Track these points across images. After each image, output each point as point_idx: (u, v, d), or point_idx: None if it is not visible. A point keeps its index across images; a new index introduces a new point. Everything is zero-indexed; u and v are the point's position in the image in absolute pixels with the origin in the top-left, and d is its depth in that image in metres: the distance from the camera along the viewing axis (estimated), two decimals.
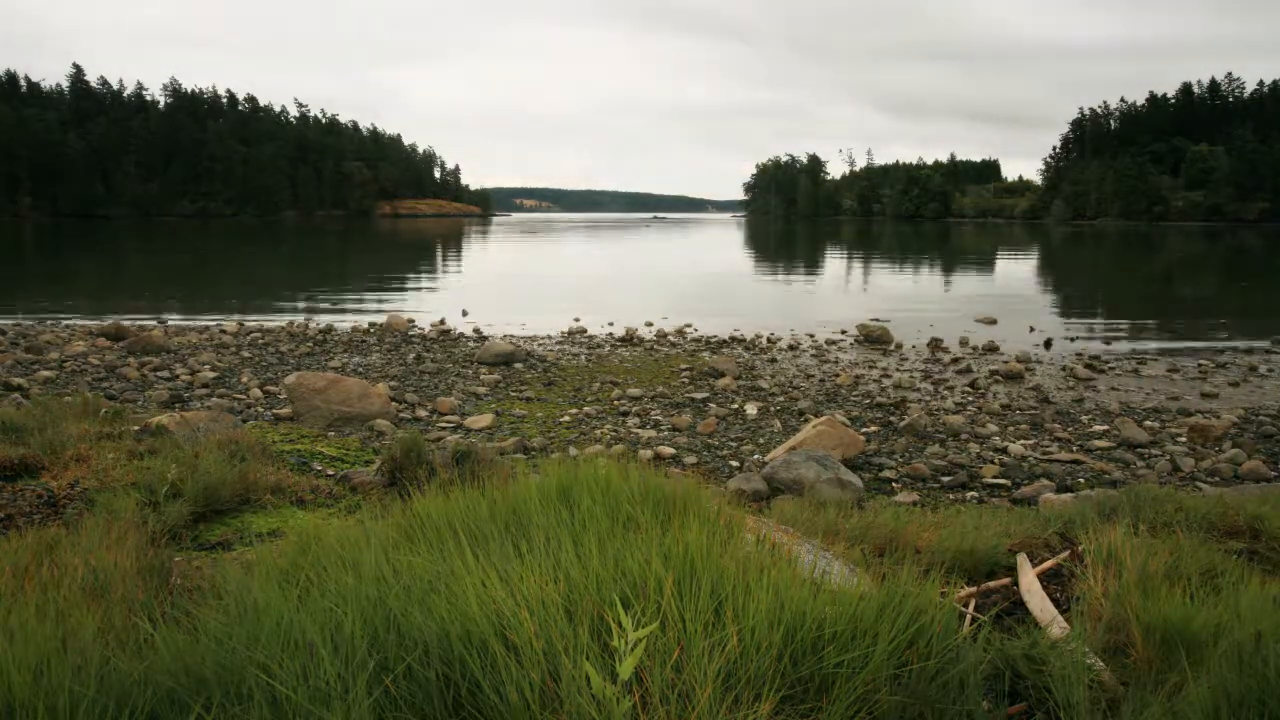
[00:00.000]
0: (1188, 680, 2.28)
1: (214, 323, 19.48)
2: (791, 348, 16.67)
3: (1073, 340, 18.40)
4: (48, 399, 8.13)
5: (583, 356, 15.42)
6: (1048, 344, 17.50)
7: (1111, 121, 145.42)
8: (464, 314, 21.74)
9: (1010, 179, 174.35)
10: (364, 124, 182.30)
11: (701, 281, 34.99)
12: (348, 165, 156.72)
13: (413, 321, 19.55)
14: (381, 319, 19.88)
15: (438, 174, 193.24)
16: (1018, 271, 43.01)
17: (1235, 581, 3.05)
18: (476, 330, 18.68)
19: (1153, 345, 18.26)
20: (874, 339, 17.84)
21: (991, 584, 3.51)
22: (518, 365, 14.25)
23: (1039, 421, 10.45)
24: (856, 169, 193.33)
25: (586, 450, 8.46)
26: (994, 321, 20.97)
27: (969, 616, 3.03)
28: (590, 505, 3.04)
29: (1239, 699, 2.08)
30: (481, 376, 13.13)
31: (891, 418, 10.64)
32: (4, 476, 5.21)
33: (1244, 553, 3.80)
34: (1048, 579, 3.49)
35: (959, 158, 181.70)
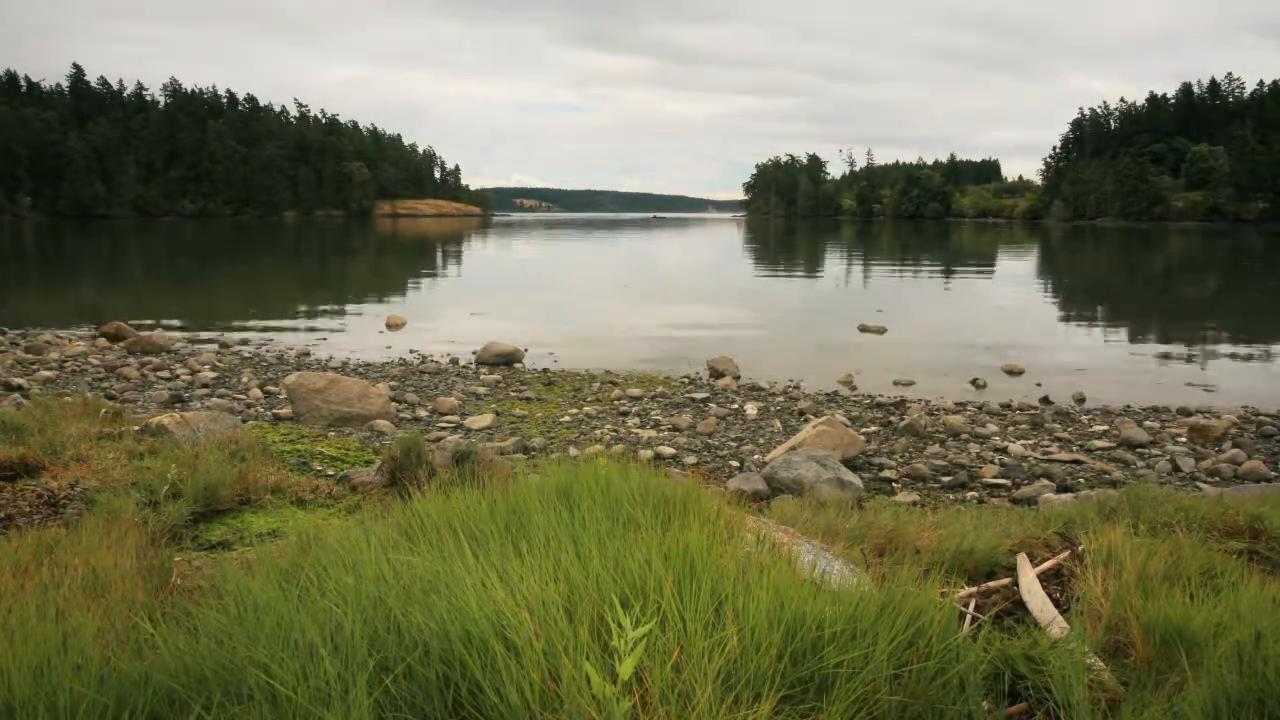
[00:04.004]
0: (1188, 680, 2.28)
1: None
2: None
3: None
4: (48, 399, 8.13)
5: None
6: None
7: (1111, 121, 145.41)
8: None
9: (1010, 178, 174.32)
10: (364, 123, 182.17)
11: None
12: (348, 165, 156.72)
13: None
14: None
15: (438, 174, 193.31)
16: (1018, 269, 43.04)
17: (1235, 581, 3.05)
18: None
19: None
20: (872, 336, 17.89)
21: (991, 584, 3.50)
22: (518, 365, 14.25)
23: (1039, 421, 10.45)
24: (856, 169, 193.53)
25: (586, 450, 8.46)
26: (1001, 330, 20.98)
27: (969, 616, 3.03)
28: (590, 505, 3.04)
29: (1239, 699, 2.08)
30: (481, 376, 13.13)
31: (891, 418, 10.64)
32: (4, 476, 5.21)
33: (1244, 553, 3.80)
34: (1048, 579, 3.49)
35: (959, 158, 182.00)
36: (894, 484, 7.99)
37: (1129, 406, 11.51)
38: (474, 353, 15.16)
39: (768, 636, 2.13)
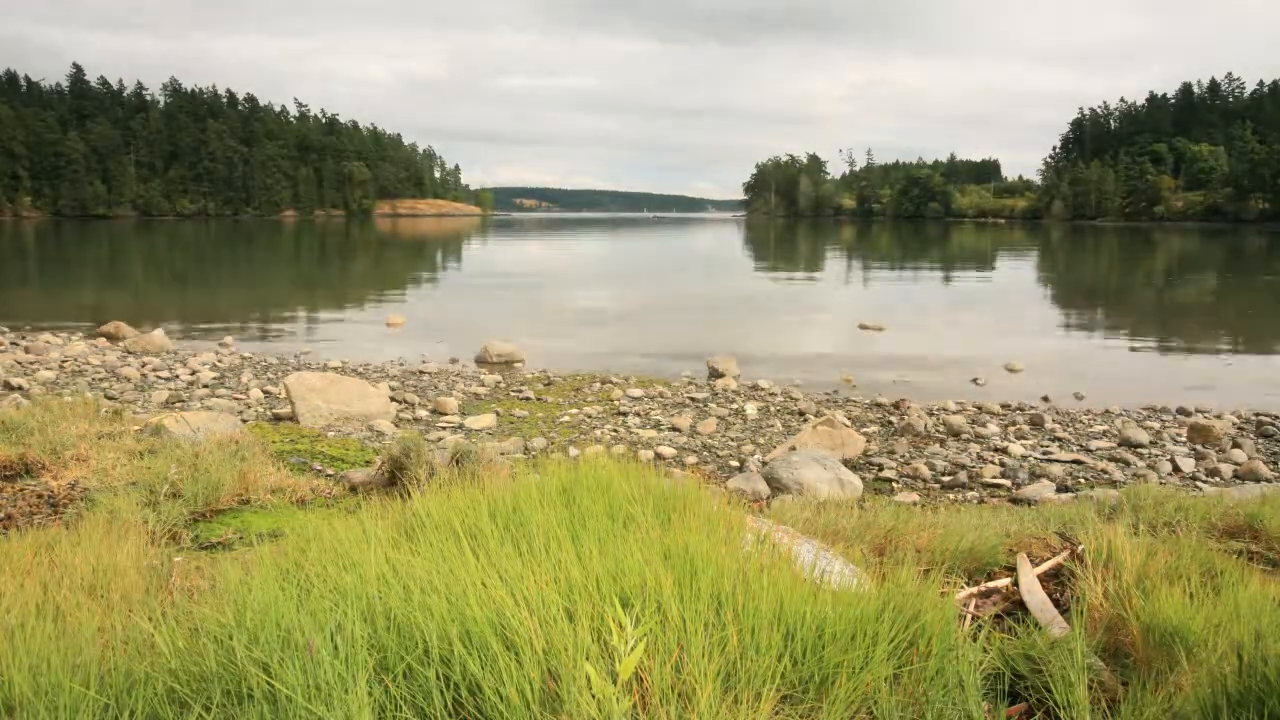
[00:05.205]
0: (1187, 680, 2.28)
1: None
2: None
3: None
4: (48, 399, 8.13)
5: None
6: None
7: (1111, 121, 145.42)
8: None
9: (1010, 178, 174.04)
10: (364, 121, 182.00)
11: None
12: (348, 165, 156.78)
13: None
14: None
15: (438, 174, 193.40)
16: (1017, 269, 43.04)
17: (1235, 581, 3.05)
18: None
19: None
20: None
21: (991, 584, 3.50)
22: (517, 365, 14.26)
23: (1039, 421, 10.45)
24: (856, 169, 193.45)
25: (587, 450, 8.46)
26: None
27: (969, 616, 3.03)
28: (590, 505, 3.04)
29: (1239, 699, 2.08)
30: (481, 377, 13.13)
31: (891, 418, 10.64)
32: (4, 476, 5.21)
33: (1244, 553, 3.80)
34: (1048, 579, 3.49)
35: (958, 157, 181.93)
36: (894, 484, 7.99)
37: (1129, 407, 11.51)
38: (475, 354, 15.17)
39: (768, 636, 2.13)
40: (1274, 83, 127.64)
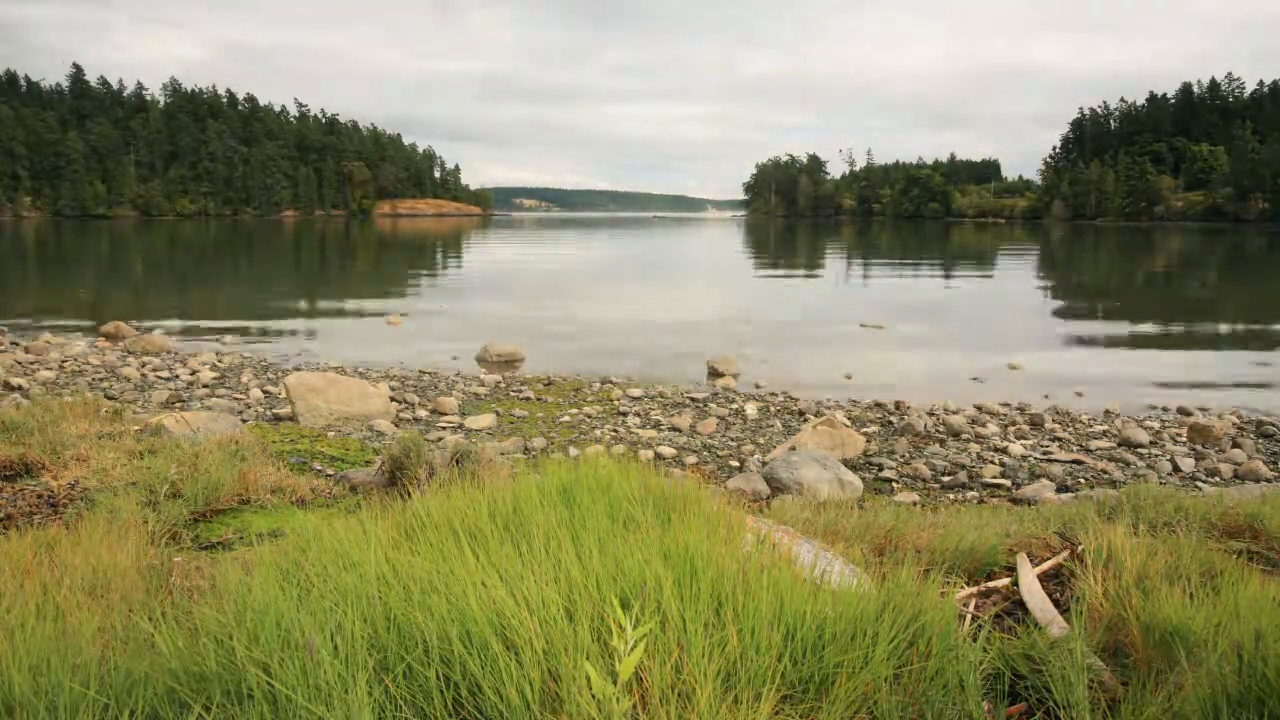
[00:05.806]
0: (1187, 680, 2.28)
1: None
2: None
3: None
4: (48, 399, 8.13)
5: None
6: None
7: (1111, 121, 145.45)
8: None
9: (1010, 178, 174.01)
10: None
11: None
12: (348, 165, 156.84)
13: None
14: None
15: (438, 173, 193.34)
16: (1018, 269, 43.02)
17: (1235, 581, 3.05)
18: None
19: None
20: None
21: (991, 584, 3.50)
22: (518, 365, 14.26)
23: (1039, 421, 10.45)
24: (856, 169, 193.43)
25: (587, 450, 8.46)
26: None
27: (969, 616, 3.03)
28: (590, 505, 3.04)
29: (1239, 699, 2.08)
30: (481, 377, 13.13)
31: (891, 418, 10.64)
32: (4, 476, 5.21)
33: (1244, 553, 3.80)
34: (1048, 579, 3.49)
35: (958, 157, 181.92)
36: (894, 484, 7.99)
37: (1129, 407, 11.51)
38: (475, 354, 15.17)
39: (768, 636, 2.13)
40: (1274, 83, 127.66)
